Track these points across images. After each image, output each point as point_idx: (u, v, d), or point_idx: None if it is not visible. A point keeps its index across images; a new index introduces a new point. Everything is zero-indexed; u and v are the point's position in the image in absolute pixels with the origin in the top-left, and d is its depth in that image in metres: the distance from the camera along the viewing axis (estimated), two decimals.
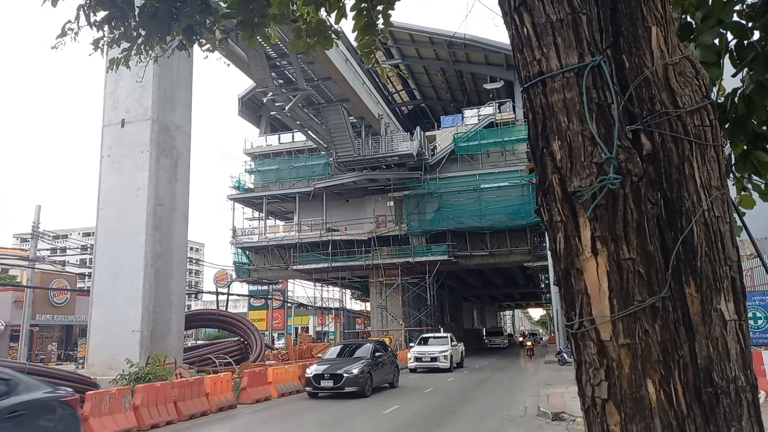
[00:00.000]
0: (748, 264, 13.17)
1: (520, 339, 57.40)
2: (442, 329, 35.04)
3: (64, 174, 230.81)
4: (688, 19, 2.31)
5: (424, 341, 26.87)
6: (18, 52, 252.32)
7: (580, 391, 1.51)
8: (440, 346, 25.46)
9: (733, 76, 2.35)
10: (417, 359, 25.03)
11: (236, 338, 24.70)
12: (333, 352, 18.33)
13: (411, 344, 29.86)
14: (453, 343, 26.47)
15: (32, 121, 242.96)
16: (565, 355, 24.70)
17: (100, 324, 16.54)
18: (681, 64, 1.55)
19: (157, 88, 17.54)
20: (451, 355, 25.07)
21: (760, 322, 11.65)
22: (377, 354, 17.22)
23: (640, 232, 1.42)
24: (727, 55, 2.25)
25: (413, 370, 24.61)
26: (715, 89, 2.27)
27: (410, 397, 15.82)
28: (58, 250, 78.84)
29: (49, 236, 32.50)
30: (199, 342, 36.96)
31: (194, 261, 75.39)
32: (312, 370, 15.95)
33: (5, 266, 40.32)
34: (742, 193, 2.49)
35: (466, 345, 45.13)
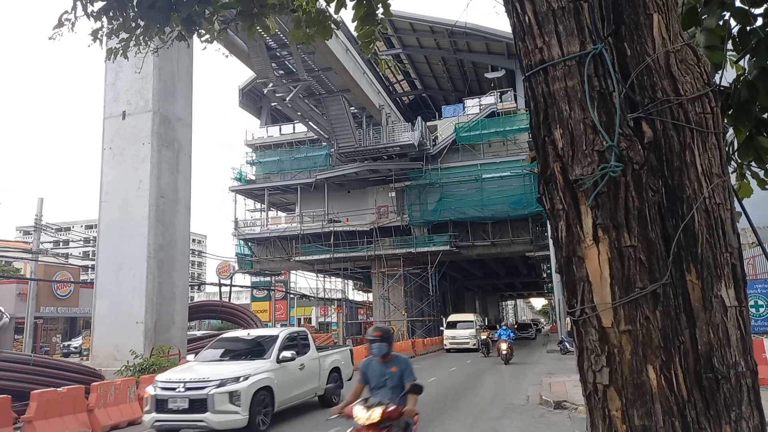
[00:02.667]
0: (750, 252, 13.16)
1: (483, 337, 28.13)
2: (444, 319, 34.95)
3: (67, 166, 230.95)
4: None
5: (220, 351, 10.93)
6: (17, 45, 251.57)
7: (582, 377, 1.52)
8: (220, 366, 9.73)
9: (736, 62, 2.34)
10: (159, 404, 8.85)
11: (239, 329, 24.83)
12: None
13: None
14: (286, 354, 10.31)
15: (34, 113, 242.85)
16: (567, 344, 24.73)
17: (104, 316, 16.63)
18: (683, 51, 1.54)
19: (158, 80, 17.50)
20: (243, 393, 8.86)
21: (762, 310, 11.66)
22: None
23: (641, 220, 1.43)
24: (730, 41, 2.24)
25: None
26: (730, 69, 2.27)
27: None
28: (61, 243, 79.09)
29: (52, 229, 32.58)
30: (202, 333, 37.21)
31: (197, 252, 75.57)
32: None
33: (9, 259, 40.46)
34: (743, 180, 2.48)
35: None
